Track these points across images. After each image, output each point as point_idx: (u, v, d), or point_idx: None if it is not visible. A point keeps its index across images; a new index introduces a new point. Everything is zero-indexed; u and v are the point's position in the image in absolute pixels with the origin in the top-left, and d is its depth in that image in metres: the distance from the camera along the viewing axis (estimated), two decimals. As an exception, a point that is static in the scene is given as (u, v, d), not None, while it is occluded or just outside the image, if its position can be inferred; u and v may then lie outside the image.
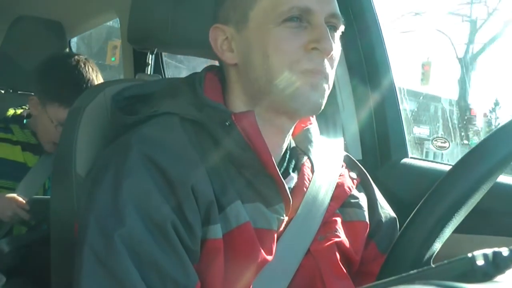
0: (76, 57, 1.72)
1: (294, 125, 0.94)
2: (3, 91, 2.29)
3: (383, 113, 1.56)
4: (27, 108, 1.83)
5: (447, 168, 1.35)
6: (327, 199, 0.95)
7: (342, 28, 0.90)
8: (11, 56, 2.16)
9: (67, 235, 0.97)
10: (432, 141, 1.63)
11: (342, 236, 0.94)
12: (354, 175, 1.04)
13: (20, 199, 1.58)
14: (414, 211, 0.75)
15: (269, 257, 0.84)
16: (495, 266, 0.43)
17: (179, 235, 0.78)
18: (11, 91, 2.25)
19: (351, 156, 1.10)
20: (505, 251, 0.43)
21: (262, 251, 0.83)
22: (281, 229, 0.89)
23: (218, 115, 0.85)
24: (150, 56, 1.41)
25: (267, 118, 0.89)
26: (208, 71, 0.95)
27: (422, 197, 0.75)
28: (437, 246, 0.75)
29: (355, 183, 1.03)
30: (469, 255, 0.43)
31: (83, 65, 1.68)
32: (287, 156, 0.96)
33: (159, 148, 0.82)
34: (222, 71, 0.95)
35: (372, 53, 1.57)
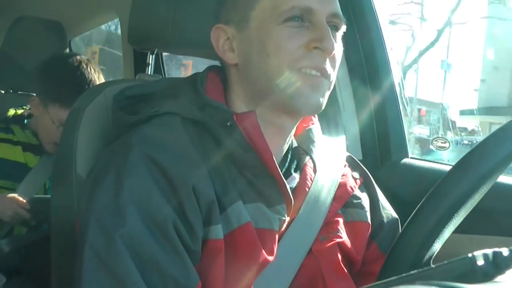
0: (78, 57, 1.72)
1: (296, 125, 0.94)
2: (3, 92, 2.29)
3: (384, 113, 1.56)
4: (27, 108, 1.83)
5: (447, 168, 1.34)
6: (329, 199, 0.95)
7: (344, 28, 0.90)
8: (12, 56, 2.16)
9: (68, 235, 0.97)
10: (432, 141, 1.62)
11: (344, 236, 0.94)
12: (356, 175, 1.04)
13: (21, 198, 1.58)
14: (414, 211, 0.75)
15: (270, 258, 0.84)
16: (495, 266, 0.43)
17: (180, 235, 0.77)
18: (11, 91, 2.25)
19: (353, 156, 1.10)
20: (505, 251, 0.43)
21: (263, 251, 0.83)
22: (283, 229, 0.89)
23: (219, 115, 0.85)
24: (151, 56, 1.41)
25: (269, 119, 0.89)
26: (210, 71, 0.95)
27: (423, 197, 0.75)
28: (437, 246, 0.75)
29: (357, 183, 1.02)
30: (469, 255, 0.43)
31: (85, 66, 1.68)
32: (289, 156, 0.96)
33: (160, 148, 0.82)
34: (223, 71, 0.95)
35: (373, 53, 1.57)
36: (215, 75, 0.94)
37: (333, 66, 0.88)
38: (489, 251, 0.43)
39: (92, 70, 1.69)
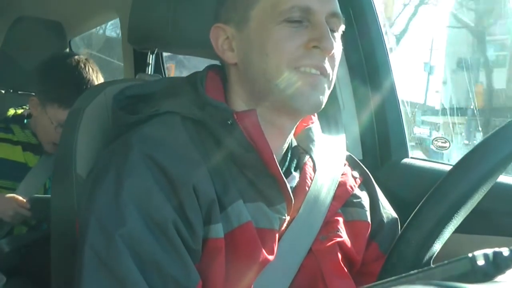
0: (76, 57, 1.71)
1: (296, 125, 0.94)
2: (3, 91, 2.29)
3: (384, 113, 1.55)
4: (27, 108, 1.83)
5: (448, 168, 1.34)
6: (329, 199, 0.95)
7: (343, 27, 0.90)
8: (12, 56, 2.16)
9: (68, 235, 0.97)
10: (432, 141, 1.62)
11: (344, 236, 0.94)
12: (356, 174, 1.04)
13: (21, 198, 1.58)
14: (414, 211, 0.75)
15: (271, 257, 0.84)
16: (496, 266, 0.43)
17: (181, 234, 0.77)
18: (11, 91, 2.25)
19: (353, 156, 1.10)
20: (505, 251, 0.43)
21: (263, 251, 0.83)
22: (283, 228, 0.89)
23: (219, 114, 0.85)
24: (151, 56, 1.41)
25: (269, 118, 0.89)
26: (209, 70, 0.95)
27: (423, 197, 0.75)
28: (437, 246, 0.75)
29: (357, 183, 1.02)
30: (470, 255, 0.43)
31: (83, 66, 1.68)
32: (289, 155, 0.96)
33: (160, 148, 0.82)
34: (223, 71, 0.95)
35: (373, 53, 1.57)
36: (215, 74, 0.94)
37: (333, 66, 0.88)
38: (489, 251, 0.43)
39: (91, 70, 1.69)
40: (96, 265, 0.75)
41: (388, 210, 1.04)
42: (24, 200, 1.58)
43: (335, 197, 0.97)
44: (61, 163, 1.04)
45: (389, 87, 1.56)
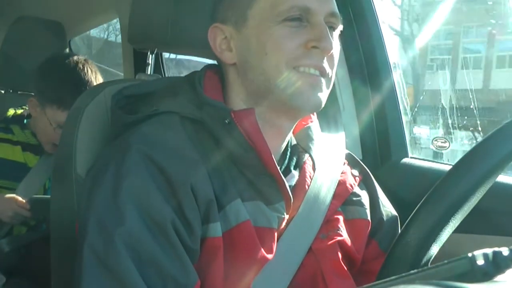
0: (75, 58, 1.71)
1: (294, 125, 0.94)
2: (3, 91, 2.29)
3: (383, 113, 1.55)
4: (27, 108, 1.83)
5: (447, 168, 1.34)
6: (329, 197, 0.95)
7: (340, 27, 0.90)
8: (12, 56, 2.16)
9: (67, 235, 0.97)
10: (432, 141, 1.62)
11: (344, 234, 0.94)
12: (356, 172, 1.04)
13: (20, 199, 1.58)
14: (414, 211, 0.75)
15: (270, 256, 0.84)
16: (495, 265, 0.42)
17: (179, 233, 0.77)
18: (11, 91, 2.25)
19: (353, 154, 1.10)
20: (505, 251, 0.43)
21: (262, 249, 0.83)
22: (282, 227, 0.89)
23: (217, 113, 0.85)
24: (150, 56, 1.41)
25: (267, 118, 0.89)
26: (208, 69, 0.95)
27: (422, 197, 0.75)
28: (437, 246, 0.75)
29: (357, 181, 1.02)
30: (469, 254, 0.43)
31: (81, 67, 1.67)
32: (288, 153, 0.96)
33: (159, 147, 0.82)
34: (221, 71, 0.95)
35: (373, 53, 1.57)
36: (214, 74, 0.94)
37: (332, 65, 0.88)
38: (489, 250, 0.43)
39: (89, 71, 1.68)
40: (95, 264, 0.75)
41: (388, 208, 1.04)
42: (24, 201, 1.58)
43: (335, 196, 0.96)
44: (61, 163, 1.04)
45: (389, 87, 1.56)
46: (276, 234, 0.87)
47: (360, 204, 0.99)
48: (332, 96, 0.89)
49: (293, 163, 0.96)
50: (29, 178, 1.69)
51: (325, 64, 0.86)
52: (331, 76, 0.88)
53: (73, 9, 2.45)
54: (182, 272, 0.76)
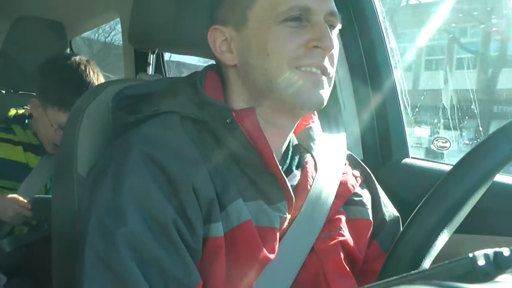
0: (77, 59, 1.70)
1: (296, 125, 0.94)
2: (4, 91, 2.29)
3: (384, 113, 1.55)
4: (28, 108, 1.83)
5: (448, 168, 1.34)
6: (331, 197, 0.95)
7: (339, 26, 0.91)
8: (12, 56, 2.16)
9: (68, 235, 0.97)
10: (432, 141, 1.62)
11: (346, 234, 0.94)
12: (357, 173, 1.04)
13: (21, 199, 1.58)
14: (415, 211, 0.75)
15: (272, 256, 0.84)
16: (496, 266, 0.43)
17: (181, 233, 0.78)
18: (12, 91, 2.25)
19: (354, 155, 1.10)
20: (506, 251, 0.43)
21: (264, 249, 0.83)
22: (285, 227, 0.89)
23: (218, 112, 0.86)
24: (151, 56, 1.41)
25: (269, 119, 0.89)
26: (209, 70, 0.95)
27: (423, 197, 0.75)
28: (438, 246, 0.75)
29: (358, 181, 1.03)
30: (470, 255, 0.43)
31: (83, 68, 1.67)
32: (289, 153, 0.96)
33: (160, 147, 0.82)
34: (221, 72, 0.95)
35: (373, 52, 1.57)
36: (214, 74, 0.94)
37: (332, 64, 0.88)
38: (490, 251, 0.43)
39: (91, 72, 1.68)
40: (97, 264, 0.75)
41: (389, 209, 1.04)
42: (25, 201, 1.58)
43: (336, 196, 0.97)
44: (62, 163, 1.04)
45: (390, 87, 1.56)
46: (278, 234, 0.87)
47: (362, 204, 0.99)
48: (333, 96, 0.89)
49: (295, 163, 0.96)
50: (31, 178, 1.68)
51: (326, 62, 0.86)
52: (332, 75, 0.89)
53: (74, 9, 2.45)
54: (184, 272, 0.76)
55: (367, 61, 1.57)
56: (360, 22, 1.55)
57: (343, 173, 1.01)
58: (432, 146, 1.59)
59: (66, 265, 0.97)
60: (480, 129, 1.70)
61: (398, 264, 0.75)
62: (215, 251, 0.81)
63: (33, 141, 1.74)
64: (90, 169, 0.92)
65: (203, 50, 1.16)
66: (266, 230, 0.85)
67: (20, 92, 2.24)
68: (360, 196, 1.00)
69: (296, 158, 0.96)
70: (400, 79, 1.60)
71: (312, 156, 0.98)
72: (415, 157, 1.54)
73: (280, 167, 0.86)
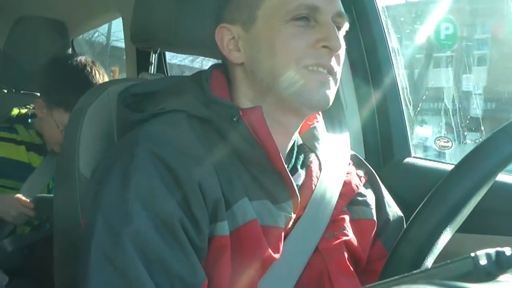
0: (83, 61, 1.69)
1: (301, 124, 0.95)
2: (5, 91, 2.30)
3: (386, 112, 1.55)
4: (31, 107, 1.83)
5: (450, 167, 1.34)
6: (335, 197, 0.95)
7: (346, 26, 0.91)
8: (14, 56, 2.16)
9: (70, 234, 0.97)
10: (434, 141, 1.62)
11: (350, 234, 0.94)
12: (361, 173, 1.04)
13: (24, 198, 1.58)
14: (416, 211, 0.75)
15: (276, 255, 0.84)
16: (498, 265, 0.42)
17: (187, 232, 0.78)
18: (14, 90, 2.26)
19: (357, 155, 1.10)
20: (508, 251, 0.43)
21: (269, 249, 0.83)
22: (289, 226, 0.89)
23: (225, 111, 0.86)
24: (153, 55, 1.41)
25: (275, 117, 0.89)
26: (214, 69, 0.95)
27: (425, 196, 0.75)
28: (439, 246, 0.74)
29: (362, 181, 1.03)
30: (472, 254, 0.43)
31: (89, 70, 1.67)
32: (294, 152, 0.96)
33: (166, 145, 0.82)
34: (227, 70, 0.95)
35: (375, 51, 1.56)
36: (220, 73, 0.94)
37: (338, 64, 0.89)
38: (492, 250, 0.43)
39: (97, 74, 1.68)
40: (102, 263, 0.75)
41: (393, 209, 1.05)
42: (28, 200, 1.58)
43: (340, 196, 0.97)
44: (64, 163, 1.04)
45: (391, 86, 1.56)
46: (283, 233, 0.87)
47: (366, 204, 0.99)
48: (336, 96, 0.89)
49: (300, 162, 0.96)
50: (33, 178, 1.68)
51: (333, 62, 0.87)
52: (338, 75, 0.89)
53: (76, 8, 2.45)
54: (190, 271, 0.76)
55: (368, 59, 1.57)
56: (361, 20, 1.55)
57: (347, 173, 1.01)
58: (434, 145, 1.59)
59: (68, 265, 0.97)
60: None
61: (400, 264, 0.75)
62: (221, 250, 0.81)
63: (36, 140, 1.74)
64: (94, 168, 0.92)
65: (204, 49, 1.17)
66: (271, 229, 0.85)
67: (22, 91, 2.24)
68: (364, 196, 1.00)
69: (301, 158, 0.97)
70: (402, 77, 1.61)
71: (316, 155, 0.98)
72: (417, 157, 1.53)
73: (285, 166, 0.86)
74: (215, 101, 0.87)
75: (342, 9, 0.89)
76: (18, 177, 1.68)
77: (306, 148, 0.99)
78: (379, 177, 1.08)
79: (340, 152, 1.05)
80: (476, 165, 0.73)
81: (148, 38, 1.19)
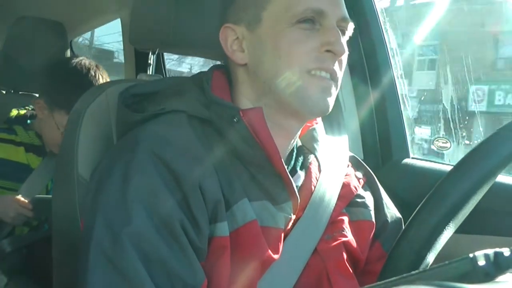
0: (86, 64, 1.69)
1: (302, 127, 0.95)
2: (4, 92, 2.29)
3: (384, 113, 1.56)
4: (30, 108, 1.83)
5: (449, 168, 1.34)
6: (334, 198, 0.96)
7: (351, 31, 0.91)
8: (13, 57, 2.16)
9: (69, 235, 0.97)
10: (433, 141, 1.62)
11: (349, 235, 0.94)
12: (360, 174, 1.05)
13: (22, 199, 1.58)
14: (415, 212, 0.75)
15: (276, 256, 0.85)
16: (497, 266, 0.43)
17: (187, 233, 0.78)
18: (12, 91, 2.25)
19: (356, 156, 1.11)
20: (506, 252, 0.43)
21: (268, 249, 0.84)
22: (289, 227, 0.89)
23: (225, 112, 0.86)
24: (152, 56, 1.41)
25: (275, 120, 0.89)
26: (215, 69, 0.95)
27: (424, 197, 0.75)
28: (438, 246, 0.75)
29: (361, 183, 1.03)
30: (470, 255, 0.43)
31: (93, 74, 1.67)
32: (294, 154, 0.96)
33: (167, 146, 0.82)
34: (229, 71, 0.95)
35: (373, 52, 1.57)
36: (221, 74, 0.94)
37: (341, 68, 0.89)
38: (490, 251, 0.43)
39: (101, 78, 1.68)
40: (102, 263, 0.75)
41: (392, 210, 1.05)
42: (27, 201, 1.58)
43: (339, 197, 0.97)
44: (63, 163, 1.04)
45: (390, 87, 1.56)
46: (282, 234, 0.87)
47: (365, 205, 1.00)
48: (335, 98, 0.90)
49: (299, 163, 0.96)
50: (32, 179, 1.68)
51: (336, 67, 0.87)
52: (339, 80, 0.89)
53: (74, 9, 2.45)
54: (190, 272, 0.76)
55: (367, 60, 1.58)
56: (360, 21, 1.55)
57: (346, 175, 1.01)
58: (432, 146, 1.59)
59: (67, 265, 0.97)
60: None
61: (399, 265, 0.75)
62: (220, 251, 0.81)
63: (35, 141, 1.74)
64: (94, 169, 0.92)
65: (203, 50, 1.17)
66: (271, 230, 0.85)
67: (20, 92, 2.24)
68: (362, 197, 1.01)
69: (300, 159, 0.97)
70: (400, 79, 1.61)
71: (316, 157, 0.98)
72: (415, 157, 1.54)
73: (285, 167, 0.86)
74: (216, 101, 0.87)
75: (347, 14, 0.90)
76: (17, 178, 1.68)
77: (306, 149, 0.99)
78: (377, 177, 1.08)
79: (339, 153, 1.05)
80: (475, 165, 0.73)
81: (146, 39, 1.19)
